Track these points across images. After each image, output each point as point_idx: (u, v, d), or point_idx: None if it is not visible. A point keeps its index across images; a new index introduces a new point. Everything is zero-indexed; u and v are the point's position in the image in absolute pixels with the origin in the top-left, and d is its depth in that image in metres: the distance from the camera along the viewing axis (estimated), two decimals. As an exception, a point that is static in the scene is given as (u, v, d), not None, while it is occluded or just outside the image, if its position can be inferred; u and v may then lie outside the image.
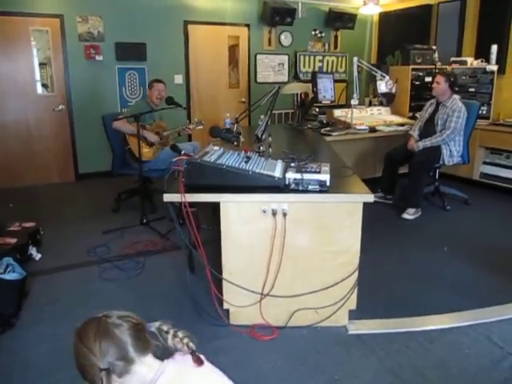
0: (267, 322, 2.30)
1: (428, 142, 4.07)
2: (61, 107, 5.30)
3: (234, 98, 6.34)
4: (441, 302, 2.56)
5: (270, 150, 2.87)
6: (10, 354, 2.12)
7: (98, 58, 5.30)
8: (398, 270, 3.04)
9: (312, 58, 6.74)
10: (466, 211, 4.30)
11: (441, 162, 4.15)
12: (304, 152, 2.99)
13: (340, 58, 6.98)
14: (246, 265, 2.25)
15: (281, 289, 2.25)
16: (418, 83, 5.38)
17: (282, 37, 6.46)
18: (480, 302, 2.55)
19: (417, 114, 4.94)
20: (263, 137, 3.08)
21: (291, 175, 2.12)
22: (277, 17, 6.03)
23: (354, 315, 2.36)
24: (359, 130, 4.58)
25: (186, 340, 1.16)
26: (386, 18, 6.77)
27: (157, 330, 1.17)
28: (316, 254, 2.23)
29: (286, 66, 6.61)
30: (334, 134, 4.35)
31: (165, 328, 1.18)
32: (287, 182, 2.12)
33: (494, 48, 4.97)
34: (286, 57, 6.57)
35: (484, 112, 4.93)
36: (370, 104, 5.71)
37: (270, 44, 6.38)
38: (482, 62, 5.08)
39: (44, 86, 5.30)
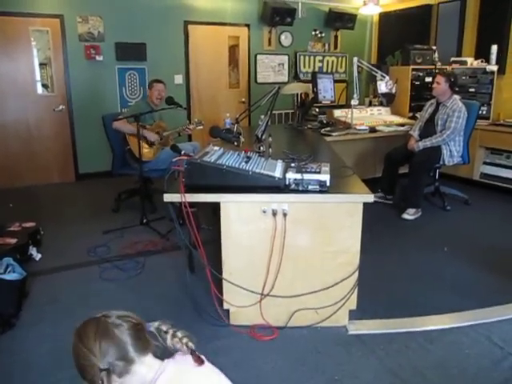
0: (267, 322, 2.30)
1: (428, 142, 4.07)
2: (61, 107, 5.31)
3: (234, 98, 6.34)
4: (441, 302, 2.56)
5: (270, 150, 2.87)
6: (11, 354, 2.12)
7: (98, 58, 5.30)
8: (398, 270, 3.04)
9: (312, 58, 6.74)
10: (466, 211, 4.30)
11: (441, 162, 4.15)
12: (304, 152, 2.99)
13: (340, 58, 6.98)
14: (246, 265, 2.25)
15: (281, 289, 2.24)
16: (418, 83, 5.38)
17: (282, 37, 6.46)
18: (480, 303, 2.55)
19: (417, 114, 4.94)
20: (263, 137, 3.08)
21: (291, 175, 2.12)
22: (277, 17, 6.03)
23: (354, 315, 2.36)
24: (359, 130, 4.58)
25: (185, 340, 1.16)
26: (386, 18, 6.77)
27: (156, 329, 1.17)
28: (316, 254, 2.23)
29: (286, 66, 6.61)
30: (334, 134, 4.35)
31: (164, 328, 1.18)
32: (287, 182, 2.12)
33: (494, 48, 4.97)
34: (286, 57, 6.57)
35: (484, 112, 4.93)
36: (370, 104, 5.71)
37: (270, 44, 6.39)
38: (482, 62, 5.08)
39: (44, 86, 5.30)
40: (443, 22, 5.82)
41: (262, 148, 2.90)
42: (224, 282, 2.27)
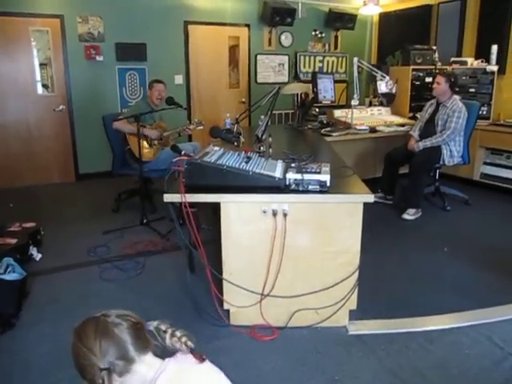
0: (267, 323, 2.30)
1: (428, 143, 4.07)
2: (61, 107, 5.31)
3: (234, 99, 6.34)
4: (441, 303, 2.56)
5: (271, 150, 2.87)
6: (11, 354, 2.12)
7: (98, 58, 5.30)
8: (398, 270, 3.04)
9: (312, 58, 6.74)
10: (466, 211, 4.30)
11: (441, 163, 4.15)
12: (304, 152, 2.99)
13: (340, 59, 6.98)
14: (247, 265, 2.25)
15: (281, 289, 2.24)
16: (418, 83, 5.38)
17: (283, 37, 6.46)
18: (480, 303, 2.55)
19: (417, 115, 4.94)
20: (263, 137, 3.08)
21: (291, 175, 2.12)
22: (277, 17, 6.03)
23: (354, 315, 2.36)
24: (359, 130, 4.58)
25: (184, 339, 1.16)
26: (386, 18, 6.77)
27: (155, 329, 1.17)
28: (316, 254, 2.23)
29: (287, 66, 6.61)
30: (334, 134, 4.35)
31: (163, 327, 1.18)
32: (287, 183, 2.12)
33: (495, 48, 4.97)
34: (286, 57, 6.57)
35: (484, 112, 4.93)
36: (371, 104, 5.71)
37: (270, 44, 6.39)
38: (482, 62, 5.08)
39: (44, 86, 5.30)
40: (443, 22, 5.82)
41: (262, 148, 2.90)
42: (224, 282, 2.27)
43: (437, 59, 5.50)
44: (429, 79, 5.30)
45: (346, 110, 4.96)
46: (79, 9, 5.13)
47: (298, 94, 4.90)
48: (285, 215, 2.14)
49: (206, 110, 6.10)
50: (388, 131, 4.70)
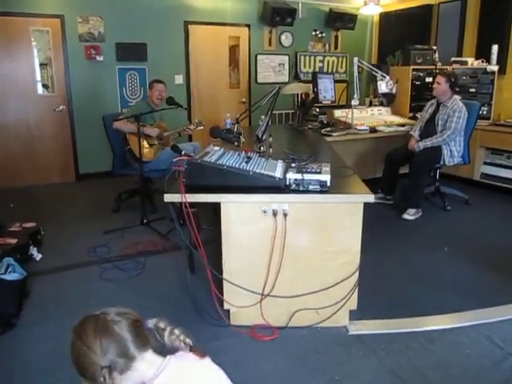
0: (268, 323, 2.30)
1: (428, 143, 4.07)
2: (61, 107, 5.31)
3: (234, 99, 6.34)
4: (441, 303, 2.56)
5: (271, 150, 2.87)
6: (11, 354, 2.13)
7: (98, 58, 5.30)
8: (398, 270, 3.04)
9: (312, 58, 6.74)
10: (466, 211, 4.30)
11: (441, 163, 4.14)
12: (304, 152, 2.99)
13: (340, 59, 6.98)
14: (247, 265, 2.25)
15: (281, 289, 2.24)
16: (418, 83, 5.38)
17: (283, 37, 6.46)
18: (481, 303, 2.55)
19: (417, 115, 4.94)
20: (264, 137, 3.08)
21: (292, 175, 2.12)
22: (277, 17, 6.03)
23: (354, 315, 2.36)
24: (360, 130, 4.58)
25: (182, 337, 1.16)
26: (386, 18, 6.77)
27: (154, 326, 1.17)
28: (316, 254, 2.23)
29: (287, 66, 6.61)
30: (334, 134, 4.35)
31: (162, 325, 1.18)
32: (288, 183, 2.12)
33: (495, 48, 4.97)
34: (287, 57, 6.57)
35: (484, 112, 4.93)
36: (371, 104, 5.71)
37: (270, 44, 6.39)
38: (482, 62, 5.08)
39: (44, 86, 5.30)
40: (444, 21, 5.82)
41: (262, 148, 2.90)
42: (224, 282, 2.27)
43: (437, 59, 5.50)
44: (429, 79, 5.30)
45: (347, 110, 4.96)
46: (79, 9, 5.13)
47: (298, 94, 4.90)
48: (285, 215, 2.14)
49: (207, 110, 6.10)
50: (388, 131, 4.70)
